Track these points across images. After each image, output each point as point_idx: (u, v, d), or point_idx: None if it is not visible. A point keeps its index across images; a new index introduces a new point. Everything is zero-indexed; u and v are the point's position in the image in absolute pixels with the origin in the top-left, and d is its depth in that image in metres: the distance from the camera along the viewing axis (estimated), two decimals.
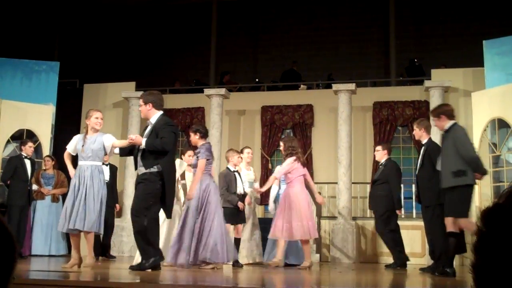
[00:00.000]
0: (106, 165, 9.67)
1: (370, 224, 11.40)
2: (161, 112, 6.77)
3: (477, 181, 7.02)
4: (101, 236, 9.05)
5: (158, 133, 6.52)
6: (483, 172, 6.73)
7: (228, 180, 8.69)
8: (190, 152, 8.68)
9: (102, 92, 14.17)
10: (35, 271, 6.56)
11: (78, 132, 8.12)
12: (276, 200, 9.28)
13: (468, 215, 6.67)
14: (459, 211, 6.55)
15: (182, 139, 13.37)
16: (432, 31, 17.49)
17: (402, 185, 10.26)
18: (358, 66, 17.28)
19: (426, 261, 11.12)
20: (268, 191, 9.51)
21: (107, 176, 9.14)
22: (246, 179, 9.14)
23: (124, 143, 6.75)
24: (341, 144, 12.01)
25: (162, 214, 8.34)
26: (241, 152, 9.16)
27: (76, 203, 6.51)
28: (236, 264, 8.17)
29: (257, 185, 9.47)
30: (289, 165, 8.21)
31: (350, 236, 11.52)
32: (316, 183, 11.63)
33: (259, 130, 13.57)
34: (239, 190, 8.79)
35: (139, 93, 13.45)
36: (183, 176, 8.64)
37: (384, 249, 11.04)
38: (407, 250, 11.37)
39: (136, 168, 6.69)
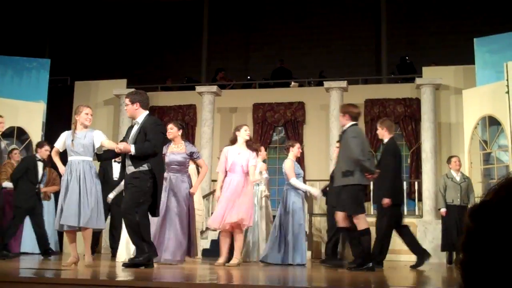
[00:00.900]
0: (119, 162, 9.57)
1: None
2: (147, 112, 6.74)
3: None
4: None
5: (146, 133, 6.49)
6: (371, 172, 6.96)
7: None
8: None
9: (93, 89, 14.13)
10: (25, 269, 6.54)
11: (68, 129, 8.06)
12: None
13: (360, 212, 6.97)
14: (350, 209, 6.91)
15: None
16: (423, 29, 17.52)
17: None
18: (349, 63, 17.30)
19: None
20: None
21: (116, 174, 9.11)
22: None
23: (112, 145, 6.66)
24: (332, 142, 12.02)
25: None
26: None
27: (67, 199, 6.43)
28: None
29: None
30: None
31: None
32: (307, 180, 11.66)
33: (250, 128, 13.49)
34: None
35: (131, 91, 13.49)
36: None
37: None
38: (399, 246, 11.42)
39: (124, 168, 6.64)
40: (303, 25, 18.29)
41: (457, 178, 9.71)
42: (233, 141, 7.92)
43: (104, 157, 7.02)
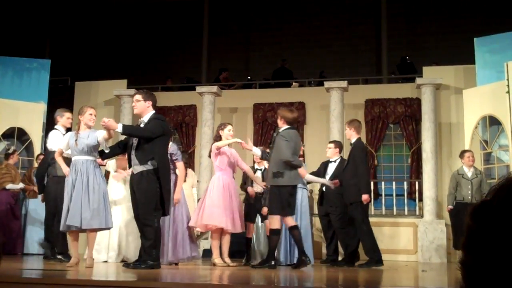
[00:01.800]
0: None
1: None
2: (154, 111, 6.75)
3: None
4: None
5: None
6: (298, 166, 7.29)
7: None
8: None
9: (94, 90, 14.12)
10: (28, 269, 6.54)
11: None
12: None
13: (288, 214, 7.17)
14: (276, 209, 7.12)
15: (174, 137, 13.35)
16: (423, 28, 17.53)
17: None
18: (350, 63, 17.31)
19: (418, 258, 11.18)
20: None
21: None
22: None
23: (106, 134, 6.57)
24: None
25: (119, 213, 8.38)
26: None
27: (73, 199, 6.41)
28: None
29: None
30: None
31: None
32: None
33: (251, 128, 13.56)
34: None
35: (131, 91, 13.47)
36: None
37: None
38: (400, 247, 11.43)
39: (130, 166, 6.63)
40: (304, 25, 18.30)
41: (469, 174, 9.59)
42: (216, 138, 7.96)
43: (108, 155, 7.00)
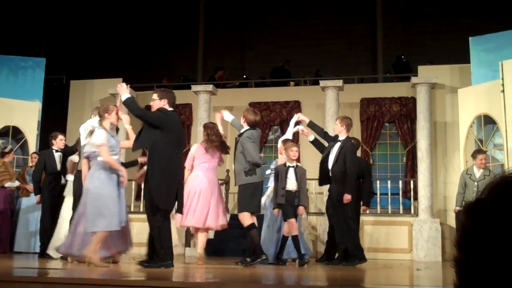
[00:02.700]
0: (57, 151, 9.17)
1: None
2: (172, 109, 6.65)
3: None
4: None
5: None
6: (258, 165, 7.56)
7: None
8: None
9: (89, 88, 14.10)
10: (20, 268, 6.52)
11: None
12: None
13: (255, 211, 7.55)
14: (250, 206, 7.42)
15: None
16: (419, 28, 17.55)
17: None
18: (345, 62, 17.32)
19: (413, 256, 11.19)
20: None
21: (57, 165, 9.12)
22: None
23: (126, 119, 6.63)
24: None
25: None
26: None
27: (121, 199, 6.59)
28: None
29: None
30: (193, 152, 8.09)
31: None
32: None
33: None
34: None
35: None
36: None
37: (373, 244, 11.10)
38: (395, 245, 11.44)
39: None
40: (299, 24, 18.31)
41: (477, 175, 9.28)
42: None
43: (137, 146, 6.77)
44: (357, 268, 7.50)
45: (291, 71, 16.16)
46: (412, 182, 12.25)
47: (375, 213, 11.82)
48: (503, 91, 10.06)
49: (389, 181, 12.34)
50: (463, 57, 12.32)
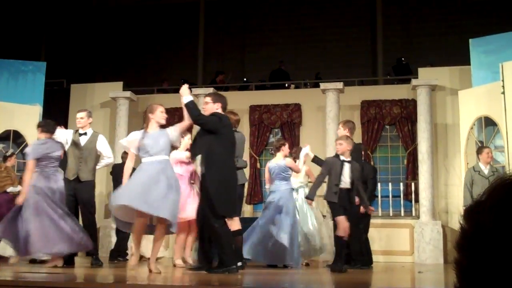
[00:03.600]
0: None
1: None
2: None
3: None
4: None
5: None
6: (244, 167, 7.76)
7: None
8: None
9: (89, 92, 14.10)
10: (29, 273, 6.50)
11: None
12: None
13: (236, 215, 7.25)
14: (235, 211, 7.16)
15: None
16: (419, 30, 17.56)
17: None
18: (345, 65, 17.32)
19: (414, 259, 11.19)
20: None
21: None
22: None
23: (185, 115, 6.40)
24: (329, 143, 12.01)
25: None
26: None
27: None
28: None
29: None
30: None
31: None
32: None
33: (247, 130, 13.55)
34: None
35: (127, 93, 13.48)
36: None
37: (374, 247, 11.09)
38: (396, 248, 11.43)
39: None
40: (299, 26, 18.32)
41: (485, 171, 9.02)
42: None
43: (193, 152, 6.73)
44: (358, 271, 7.49)
45: (290, 73, 16.16)
46: (413, 184, 12.25)
47: (377, 216, 11.80)
48: (503, 92, 10.05)
49: (390, 184, 12.32)
50: (463, 59, 12.32)
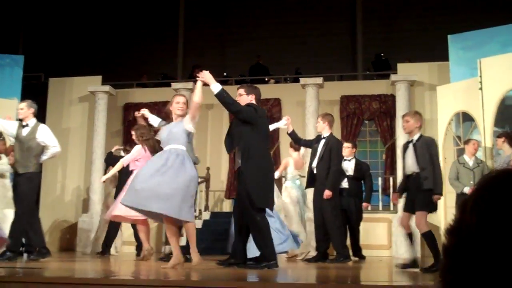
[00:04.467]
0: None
1: None
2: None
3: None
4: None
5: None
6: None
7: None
8: None
9: (68, 86, 13.99)
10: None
11: None
12: None
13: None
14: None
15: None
16: (398, 25, 17.66)
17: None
18: (325, 60, 17.36)
19: (392, 253, 11.26)
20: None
21: None
22: None
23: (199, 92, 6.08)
24: (308, 137, 12.02)
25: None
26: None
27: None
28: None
29: None
30: (136, 152, 8.25)
31: None
32: (284, 176, 11.65)
33: (226, 125, 13.49)
34: None
35: (106, 87, 13.39)
36: None
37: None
38: (374, 242, 11.50)
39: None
40: (280, 21, 18.32)
41: (470, 163, 9.01)
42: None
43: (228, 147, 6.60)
44: (334, 265, 7.53)
45: (270, 68, 16.15)
46: (391, 179, 12.32)
47: None
48: (481, 88, 10.13)
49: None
50: (442, 55, 12.41)
